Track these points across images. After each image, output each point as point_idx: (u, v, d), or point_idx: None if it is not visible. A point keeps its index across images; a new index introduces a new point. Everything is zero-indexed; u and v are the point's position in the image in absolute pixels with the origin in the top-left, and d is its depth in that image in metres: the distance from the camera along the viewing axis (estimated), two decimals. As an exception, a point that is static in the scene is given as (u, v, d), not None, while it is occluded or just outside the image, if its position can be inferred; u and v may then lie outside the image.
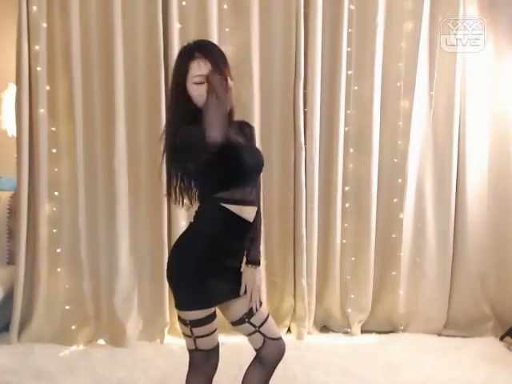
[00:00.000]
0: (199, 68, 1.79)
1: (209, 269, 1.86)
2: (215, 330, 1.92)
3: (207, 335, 1.89)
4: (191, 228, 1.94)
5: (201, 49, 1.82)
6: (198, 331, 1.87)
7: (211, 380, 2.01)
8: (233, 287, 1.93)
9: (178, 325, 3.39)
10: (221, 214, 1.86)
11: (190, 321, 1.86)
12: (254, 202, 1.93)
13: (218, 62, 1.80)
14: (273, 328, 1.98)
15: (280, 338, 1.97)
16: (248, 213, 1.89)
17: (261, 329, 1.94)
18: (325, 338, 3.50)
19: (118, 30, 3.20)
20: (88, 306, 3.35)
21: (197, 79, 1.80)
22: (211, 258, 1.86)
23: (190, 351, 1.93)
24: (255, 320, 1.94)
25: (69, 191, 3.34)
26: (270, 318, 1.99)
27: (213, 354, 1.95)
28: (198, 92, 1.81)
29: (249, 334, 1.96)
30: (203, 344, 1.90)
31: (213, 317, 1.89)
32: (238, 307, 1.94)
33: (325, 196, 3.49)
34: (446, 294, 3.55)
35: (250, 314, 1.93)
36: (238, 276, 1.97)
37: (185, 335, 1.91)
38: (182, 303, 1.88)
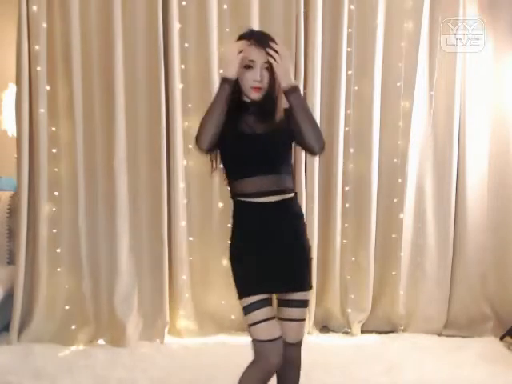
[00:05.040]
0: (251, 53, 1.86)
1: (246, 258, 1.94)
2: (264, 321, 1.89)
3: (254, 324, 1.89)
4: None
5: (256, 37, 1.89)
6: (246, 320, 1.91)
7: (266, 379, 1.94)
8: (281, 281, 1.94)
9: (178, 325, 3.41)
10: (240, 203, 1.95)
11: (242, 308, 1.92)
12: (276, 191, 1.93)
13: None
14: (292, 332, 1.98)
15: (290, 344, 1.96)
16: (269, 199, 1.92)
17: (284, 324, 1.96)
18: (325, 338, 3.49)
19: (118, 30, 3.20)
20: (88, 306, 3.35)
21: (248, 63, 1.86)
22: (245, 247, 1.94)
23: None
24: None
25: (69, 191, 3.34)
26: (299, 324, 1.99)
27: (270, 348, 1.88)
28: (244, 76, 1.87)
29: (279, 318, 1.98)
30: (253, 333, 1.90)
31: (256, 306, 1.89)
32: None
33: (325, 196, 3.49)
34: (446, 294, 3.55)
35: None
36: (289, 268, 1.95)
37: None
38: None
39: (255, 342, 1.90)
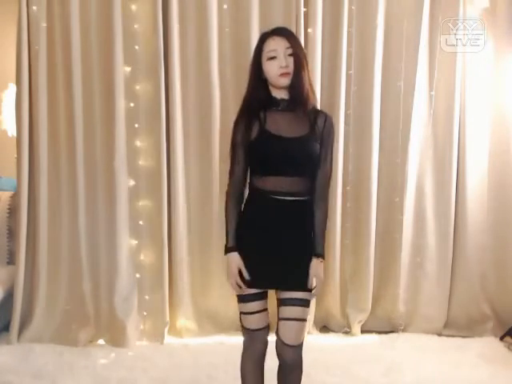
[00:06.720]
0: (271, 44, 1.93)
1: (249, 250, 1.97)
2: (255, 313, 1.98)
3: (245, 313, 1.99)
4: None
5: (274, 30, 1.97)
6: (239, 307, 2.00)
7: (259, 365, 2.06)
8: (280, 279, 1.96)
9: (178, 325, 3.41)
10: (255, 194, 1.99)
11: (236, 295, 2.02)
12: (294, 193, 1.95)
13: (291, 39, 1.95)
14: (291, 333, 1.95)
15: (289, 346, 1.94)
16: (283, 198, 1.96)
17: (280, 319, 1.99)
18: (325, 338, 3.49)
19: (118, 30, 3.20)
20: (88, 306, 3.35)
21: (271, 53, 1.93)
22: (247, 238, 1.98)
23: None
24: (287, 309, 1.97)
25: (69, 191, 3.34)
26: (298, 324, 1.96)
27: (256, 336, 2.01)
28: (270, 67, 1.93)
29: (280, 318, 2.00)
30: (243, 321, 2.03)
31: (249, 298, 1.97)
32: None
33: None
34: (446, 294, 3.55)
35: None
36: (289, 266, 1.97)
37: None
38: None
39: (244, 328, 2.03)
